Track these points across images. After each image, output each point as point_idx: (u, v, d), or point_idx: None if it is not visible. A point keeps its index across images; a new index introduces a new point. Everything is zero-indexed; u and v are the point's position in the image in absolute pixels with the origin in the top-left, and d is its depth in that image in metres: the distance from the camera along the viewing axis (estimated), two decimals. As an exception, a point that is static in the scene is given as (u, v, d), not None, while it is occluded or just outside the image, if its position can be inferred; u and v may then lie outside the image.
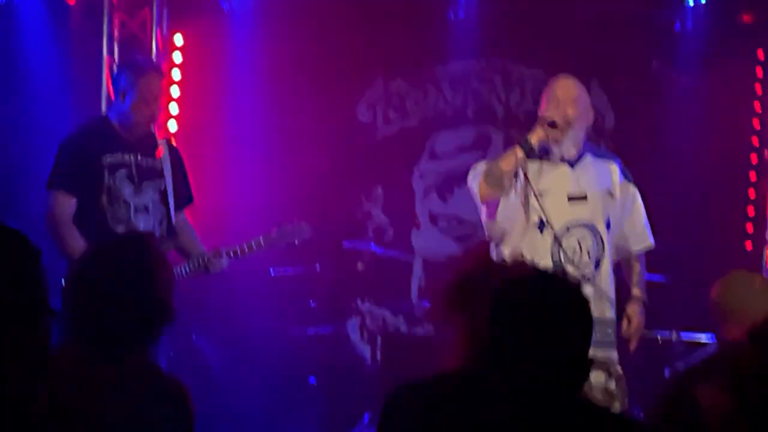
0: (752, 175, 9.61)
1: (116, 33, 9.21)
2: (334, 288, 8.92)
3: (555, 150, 6.25)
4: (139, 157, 6.88)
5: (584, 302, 3.16)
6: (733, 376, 2.03)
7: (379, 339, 8.67)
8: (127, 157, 6.85)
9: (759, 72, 9.61)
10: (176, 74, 9.46)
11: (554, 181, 6.24)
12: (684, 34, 9.51)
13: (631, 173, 6.52)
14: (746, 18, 9.62)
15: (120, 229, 6.76)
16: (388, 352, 8.40)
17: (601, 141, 9.49)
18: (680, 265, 8.76)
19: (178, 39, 9.44)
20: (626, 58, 9.65)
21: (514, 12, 9.48)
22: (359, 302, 9.66)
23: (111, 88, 9.09)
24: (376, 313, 9.63)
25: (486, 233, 6.39)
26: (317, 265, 8.65)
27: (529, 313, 3.10)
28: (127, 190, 6.82)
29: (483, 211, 6.36)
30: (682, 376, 4.43)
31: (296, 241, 7.16)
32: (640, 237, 6.45)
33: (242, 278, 9.07)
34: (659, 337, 7.93)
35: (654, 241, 6.52)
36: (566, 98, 6.26)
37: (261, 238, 7.08)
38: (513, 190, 6.21)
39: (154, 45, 9.18)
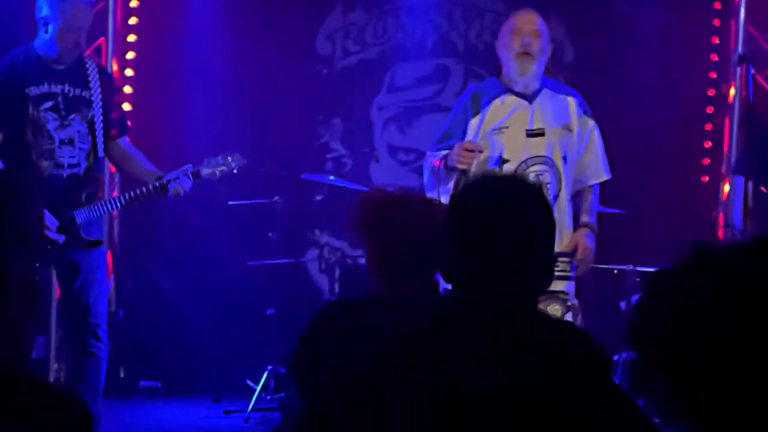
0: (709, 109, 9.63)
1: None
2: (293, 220, 8.89)
3: (518, 78, 6.25)
4: (66, 88, 6.69)
5: (545, 199, 3.04)
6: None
7: (337, 270, 8.67)
8: (53, 87, 6.69)
9: (717, 5, 9.60)
10: (134, 2, 9.39)
11: (512, 117, 6.25)
12: (644, -33, 9.50)
13: (591, 106, 6.51)
14: (705, -48, 9.62)
15: (43, 163, 6.62)
16: (346, 283, 8.42)
17: (560, 73, 9.47)
18: (638, 198, 8.80)
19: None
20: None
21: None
22: (318, 234, 9.66)
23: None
24: (335, 245, 9.64)
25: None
26: (276, 197, 8.60)
27: (491, 217, 2.95)
28: (51, 123, 6.64)
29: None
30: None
31: (234, 170, 7.06)
32: (597, 171, 6.45)
33: (201, 210, 9.07)
34: (616, 270, 7.95)
35: (610, 174, 6.53)
36: (528, 30, 6.26)
37: (199, 167, 6.96)
38: (472, 129, 6.21)
39: (109, -22, 9.10)
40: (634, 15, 9.65)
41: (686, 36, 9.61)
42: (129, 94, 9.36)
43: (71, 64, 6.75)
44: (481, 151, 6.07)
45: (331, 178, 8.83)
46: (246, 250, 8.73)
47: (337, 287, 8.47)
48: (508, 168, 6.16)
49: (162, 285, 9.13)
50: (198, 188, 8.91)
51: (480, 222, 2.92)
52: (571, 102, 6.41)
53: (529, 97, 6.29)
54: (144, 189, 6.71)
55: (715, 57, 9.62)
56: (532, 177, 6.13)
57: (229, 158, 6.98)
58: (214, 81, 9.39)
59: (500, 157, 6.18)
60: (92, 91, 6.78)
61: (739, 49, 9.17)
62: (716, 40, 9.61)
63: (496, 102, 6.26)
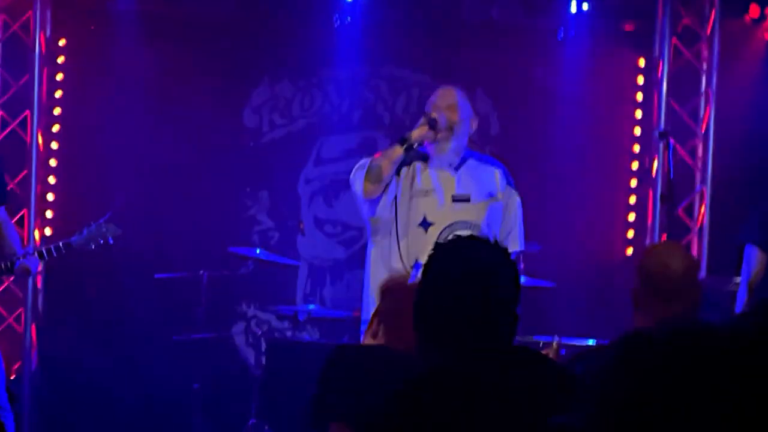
0: (632, 182, 9.71)
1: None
2: (220, 293, 8.86)
3: (437, 159, 6.31)
4: None
5: (510, 259, 3.27)
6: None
7: (263, 343, 8.61)
8: None
9: (639, 79, 9.71)
10: (60, 77, 9.36)
11: (439, 183, 6.31)
12: (567, 41, 9.57)
13: (517, 178, 6.58)
14: (627, 27, 9.75)
15: None
16: (273, 356, 8.35)
17: (487, 146, 9.52)
18: (563, 270, 8.82)
19: (62, 41, 9.36)
20: (511, 65, 9.73)
21: (400, 18, 9.51)
22: (244, 307, 9.61)
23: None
24: (262, 318, 9.59)
25: (368, 229, 6.45)
26: (202, 270, 8.56)
27: (461, 277, 3.19)
28: None
29: (365, 208, 6.42)
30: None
31: (110, 241, 7.03)
32: (513, 241, 6.54)
33: (128, 282, 9.02)
34: (541, 342, 7.95)
35: (524, 246, 6.64)
36: (447, 105, 6.35)
37: (72, 239, 6.95)
38: (395, 188, 6.25)
39: (37, 47, 9.09)
40: (558, 89, 9.73)
41: (610, 109, 9.73)
42: (54, 167, 9.31)
43: None
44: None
45: (258, 251, 8.81)
46: (172, 324, 8.66)
47: (263, 360, 8.41)
48: (432, 231, 6.22)
49: (87, 358, 9.04)
50: (125, 260, 8.91)
51: (452, 282, 3.18)
52: (497, 173, 6.50)
53: (455, 167, 6.36)
54: (6, 264, 6.68)
55: (637, 131, 9.71)
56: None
57: (103, 229, 6.97)
58: (140, 153, 9.35)
59: (425, 219, 6.24)
60: None
61: (661, 123, 9.26)
62: (639, 115, 9.71)
63: (421, 165, 6.33)
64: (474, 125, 6.55)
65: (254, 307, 9.62)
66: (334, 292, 9.76)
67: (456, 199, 6.31)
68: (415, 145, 6.25)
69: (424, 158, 6.38)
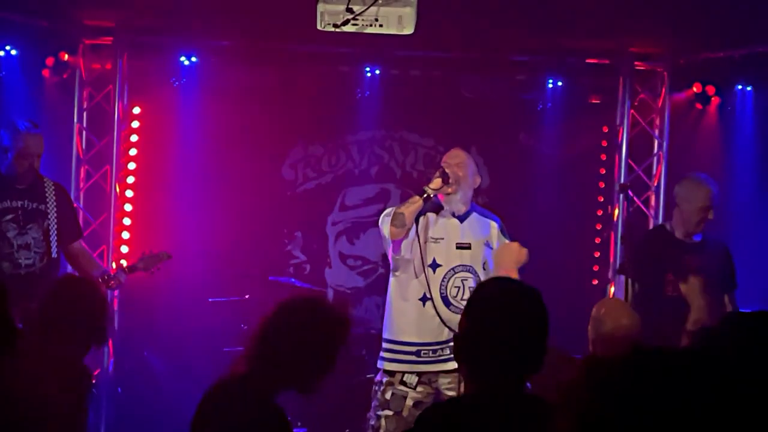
0: (597, 226, 9.77)
1: (85, 104, 9.20)
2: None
3: (447, 206, 6.36)
4: (26, 203, 6.81)
5: (541, 300, 3.19)
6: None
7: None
8: (14, 203, 6.80)
9: (603, 143, 9.75)
10: (134, 138, 9.45)
11: (447, 231, 6.35)
12: (545, 111, 9.65)
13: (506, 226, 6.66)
14: (594, 99, 9.78)
15: (5, 265, 6.71)
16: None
17: (479, 196, 9.62)
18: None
19: (136, 109, 9.44)
20: (499, 130, 9.79)
21: (409, 92, 9.59)
22: (282, 325, 9.65)
23: (80, 149, 9.13)
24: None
25: (391, 265, 6.47)
26: (247, 295, 8.66)
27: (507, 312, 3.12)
28: (11, 232, 6.74)
29: (389, 247, 6.41)
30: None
31: (158, 267, 7.22)
32: None
33: (186, 305, 9.08)
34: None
35: None
36: (456, 163, 6.38)
37: (136, 263, 7.12)
38: (414, 234, 6.28)
39: (116, 114, 9.17)
40: (537, 149, 9.81)
41: (579, 166, 9.74)
42: (128, 211, 9.39)
43: (30, 183, 6.83)
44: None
45: (293, 279, 8.90)
46: (223, 338, 8.74)
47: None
48: (440, 271, 6.26)
49: (154, 367, 9.11)
50: (186, 286, 8.98)
51: (494, 321, 3.09)
52: (493, 225, 6.53)
53: (460, 218, 6.40)
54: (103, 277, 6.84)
55: (602, 184, 9.75)
56: (457, 281, 6.26)
57: (159, 256, 7.13)
58: (198, 199, 9.41)
59: (434, 261, 6.28)
60: (48, 205, 6.85)
61: (621, 178, 9.34)
62: (603, 171, 9.74)
63: (433, 216, 6.37)
64: (477, 181, 6.56)
65: (290, 326, 9.65)
66: (355, 314, 9.80)
67: (459, 247, 6.32)
68: (432, 196, 6.27)
69: (437, 209, 6.41)
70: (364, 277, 9.85)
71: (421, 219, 6.31)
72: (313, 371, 3.76)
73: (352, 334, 8.13)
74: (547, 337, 3.14)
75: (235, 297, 8.71)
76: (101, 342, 4.68)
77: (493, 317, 3.12)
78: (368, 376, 7.98)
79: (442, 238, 6.34)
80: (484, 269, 6.37)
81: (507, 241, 6.46)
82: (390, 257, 6.48)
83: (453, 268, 6.27)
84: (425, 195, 6.20)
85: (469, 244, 6.35)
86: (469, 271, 6.31)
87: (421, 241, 6.28)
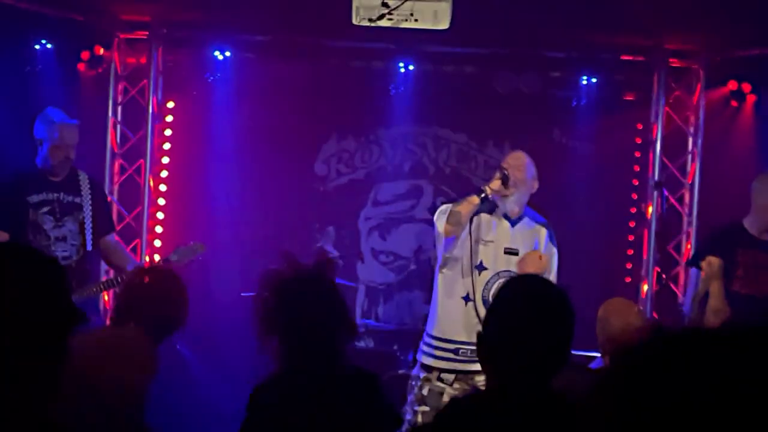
0: (631, 223, 9.74)
1: (119, 98, 9.26)
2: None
3: (502, 206, 6.31)
4: (61, 195, 6.79)
5: (566, 301, 3.14)
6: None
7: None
8: (50, 195, 6.78)
9: (637, 140, 9.75)
10: (168, 132, 9.50)
11: (497, 234, 6.29)
12: (579, 108, 9.62)
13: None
14: (629, 96, 9.77)
15: None
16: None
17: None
18: (574, 295, 8.86)
19: (171, 104, 9.49)
20: (533, 127, 9.75)
21: (443, 88, 9.59)
22: (313, 320, 9.67)
23: (115, 143, 9.17)
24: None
25: (439, 261, 6.42)
26: (280, 289, 8.66)
27: (530, 308, 3.07)
28: (48, 224, 6.73)
29: (441, 244, 6.35)
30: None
31: (199, 257, 7.15)
32: None
33: (219, 299, 9.11)
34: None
35: None
36: (517, 165, 6.33)
37: (170, 255, 7.08)
38: (467, 233, 6.23)
39: (150, 108, 9.22)
40: (571, 146, 9.80)
41: (613, 163, 9.73)
42: (162, 205, 9.44)
43: (66, 176, 6.83)
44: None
45: (326, 274, 8.90)
46: (254, 332, 8.75)
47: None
48: (485, 274, 6.21)
49: (187, 359, 9.14)
50: (219, 280, 9.02)
51: (521, 311, 3.05)
52: (543, 232, 6.46)
53: (513, 222, 6.35)
54: (119, 277, 6.80)
55: (636, 182, 9.74)
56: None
57: (194, 248, 7.08)
58: (232, 193, 9.47)
59: (481, 263, 6.24)
60: (83, 198, 6.85)
61: (656, 175, 9.30)
62: (637, 168, 9.73)
63: (486, 216, 6.31)
64: (535, 186, 6.49)
65: (322, 320, 9.68)
66: (386, 309, 9.80)
67: (507, 252, 6.22)
68: (490, 197, 6.22)
69: (491, 209, 6.35)
70: (395, 272, 9.86)
71: (475, 218, 6.26)
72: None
73: (375, 330, 8.06)
74: (572, 339, 3.09)
75: (267, 292, 8.71)
76: (173, 330, 4.97)
77: (516, 316, 3.07)
78: (400, 372, 7.98)
79: (492, 241, 6.28)
80: None
81: (555, 249, 6.43)
82: (440, 254, 6.42)
83: (498, 273, 6.20)
84: (483, 195, 6.15)
85: (517, 250, 6.29)
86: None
87: (473, 240, 6.24)
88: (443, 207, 6.34)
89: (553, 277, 6.48)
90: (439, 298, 6.36)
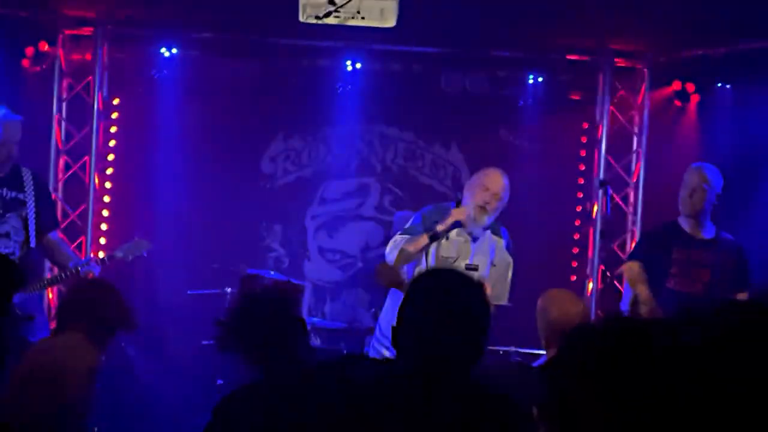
0: (577, 222, 9.79)
1: (64, 94, 9.18)
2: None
3: (471, 225, 6.34)
4: (4, 191, 6.71)
5: (483, 292, 3.10)
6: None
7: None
8: None
9: (583, 139, 9.80)
10: (114, 129, 9.44)
11: (459, 251, 6.33)
12: (525, 107, 9.66)
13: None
14: (574, 96, 9.81)
15: None
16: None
17: (458, 192, 9.61)
18: (520, 292, 8.91)
19: (116, 101, 9.42)
20: (480, 126, 9.80)
21: (390, 86, 9.59)
22: (260, 318, 9.63)
23: (59, 140, 9.09)
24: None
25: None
26: (227, 287, 8.64)
27: (439, 300, 3.02)
28: None
29: (404, 272, 6.40)
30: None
31: (144, 253, 7.12)
32: (501, 295, 6.55)
33: (165, 297, 9.06)
34: (501, 350, 8.06)
35: (507, 302, 6.65)
36: (494, 191, 6.36)
37: (115, 252, 7.02)
38: (423, 256, 6.26)
39: (95, 105, 9.15)
40: (518, 145, 9.83)
41: (559, 163, 9.76)
42: (107, 203, 9.38)
43: (8, 172, 6.75)
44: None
45: (272, 272, 8.88)
46: (201, 331, 8.72)
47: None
48: None
49: (132, 359, 9.08)
50: (165, 279, 8.96)
51: (431, 303, 3.00)
52: (500, 243, 6.52)
53: (474, 238, 6.38)
54: (63, 273, 6.74)
55: (581, 180, 9.79)
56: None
57: (138, 244, 7.04)
58: (177, 191, 9.39)
59: None
60: (26, 194, 6.77)
61: (601, 174, 9.37)
62: (582, 167, 9.79)
63: (451, 233, 6.34)
64: (503, 206, 6.57)
65: (268, 318, 9.64)
66: (333, 307, 9.79)
67: (468, 268, 6.28)
68: (441, 236, 6.25)
69: (457, 226, 6.38)
70: (342, 270, 9.85)
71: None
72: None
73: (322, 328, 8.03)
74: (486, 332, 3.05)
75: (214, 290, 8.68)
76: (114, 332, 5.35)
77: (421, 305, 3.03)
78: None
79: (454, 258, 6.33)
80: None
81: (510, 258, 6.49)
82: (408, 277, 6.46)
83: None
84: (432, 236, 6.19)
85: (477, 266, 6.34)
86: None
87: (429, 259, 6.26)
88: (395, 239, 6.38)
89: (506, 282, 6.54)
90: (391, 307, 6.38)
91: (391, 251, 6.35)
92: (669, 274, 6.68)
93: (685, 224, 6.83)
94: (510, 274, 6.60)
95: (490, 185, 6.42)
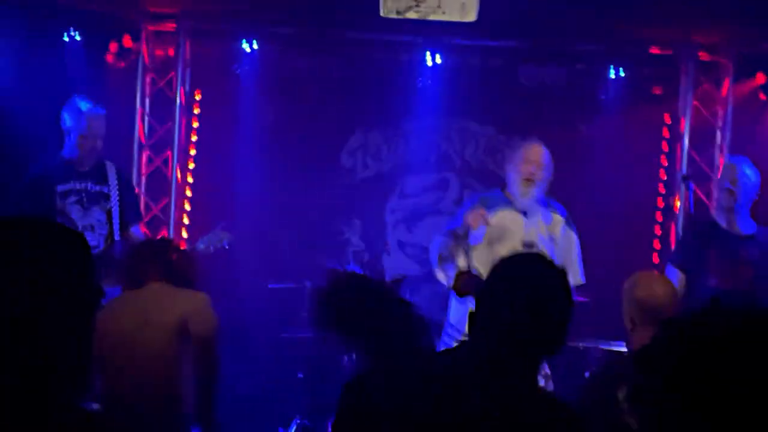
0: (658, 216, 9.70)
1: (147, 89, 9.28)
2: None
3: (520, 202, 6.31)
4: (89, 185, 6.80)
5: (565, 278, 3.03)
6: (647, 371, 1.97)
7: (354, 343, 8.68)
8: (78, 185, 6.78)
9: (665, 133, 9.72)
10: (196, 124, 9.52)
11: (511, 229, 6.30)
12: (606, 101, 9.59)
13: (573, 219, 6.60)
14: (656, 90, 9.73)
15: None
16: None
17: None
18: (600, 287, 8.85)
19: (198, 95, 9.50)
20: (559, 119, 9.75)
21: (470, 81, 9.57)
22: (340, 312, 9.66)
23: (142, 134, 9.20)
24: (353, 322, 9.64)
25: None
26: (307, 281, 8.68)
27: (520, 287, 2.95)
28: (75, 213, 6.73)
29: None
30: (602, 378, 4.47)
31: (225, 245, 7.15)
32: (574, 274, 6.47)
33: (247, 290, 9.12)
34: (581, 345, 8.01)
35: (585, 280, 6.57)
36: (535, 160, 6.34)
37: (196, 243, 7.07)
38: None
39: (178, 100, 9.24)
40: (599, 139, 9.75)
41: (641, 157, 9.69)
42: (189, 197, 9.47)
43: (93, 166, 6.83)
44: (487, 223, 6.12)
45: (352, 266, 8.90)
46: (281, 324, 8.78)
47: (353, 355, 8.52)
48: None
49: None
50: (246, 272, 9.01)
51: (509, 293, 2.93)
52: (557, 219, 6.48)
53: (528, 214, 6.35)
54: None
55: (663, 175, 9.71)
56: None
57: (219, 236, 7.08)
58: (259, 186, 9.46)
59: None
60: (110, 188, 6.85)
61: (683, 169, 9.26)
62: (665, 161, 9.70)
63: (500, 213, 6.32)
64: (551, 177, 6.54)
65: (347, 313, 9.68)
66: (413, 301, 9.79)
67: (525, 245, 6.29)
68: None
69: (502, 204, 6.37)
70: (421, 265, 9.85)
71: (492, 216, 6.26)
72: None
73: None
74: (568, 323, 2.97)
75: (293, 284, 8.72)
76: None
77: (506, 300, 2.95)
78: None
79: (505, 235, 6.30)
80: None
81: (573, 234, 6.43)
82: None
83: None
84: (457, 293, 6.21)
85: (534, 242, 6.30)
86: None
87: (486, 241, 6.24)
88: (436, 239, 6.34)
89: (575, 258, 6.49)
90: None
91: (432, 253, 6.36)
92: (710, 272, 6.58)
93: (722, 220, 6.74)
94: (578, 250, 6.52)
95: (531, 156, 6.40)
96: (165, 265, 5.35)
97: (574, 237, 6.51)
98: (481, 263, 6.16)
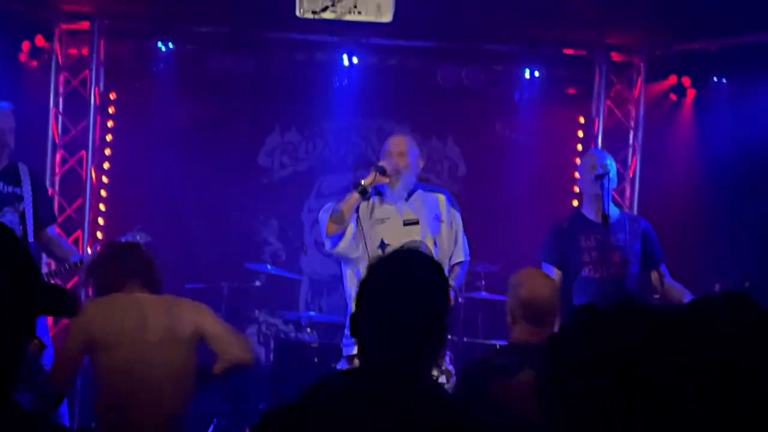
0: (573, 216, 9.79)
1: (61, 89, 9.17)
2: (237, 301, 8.92)
3: (390, 193, 6.38)
4: (0, 186, 6.64)
5: (440, 270, 2.96)
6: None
7: (272, 343, 8.69)
8: None
9: (579, 133, 9.82)
10: (110, 123, 9.43)
11: (392, 211, 6.37)
12: (522, 102, 9.66)
13: (479, 211, 6.63)
14: (570, 91, 9.83)
15: None
16: (279, 353, 8.42)
17: (455, 185, 9.65)
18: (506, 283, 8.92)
19: (113, 95, 9.42)
20: (476, 120, 9.83)
21: (387, 81, 9.60)
22: (257, 312, 9.67)
23: (56, 134, 9.09)
24: (271, 322, 9.64)
25: (341, 260, 6.55)
26: (223, 282, 8.66)
27: (394, 285, 2.88)
28: None
29: (328, 243, 6.42)
30: (476, 369, 4.55)
31: (142, 244, 7.08)
32: (459, 253, 6.53)
33: (164, 291, 9.03)
34: (497, 345, 8.06)
35: (469, 257, 6.63)
36: (398, 152, 6.41)
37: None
38: (354, 223, 6.30)
39: (92, 100, 9.14)
40: (514, 139, 9.85)
41: (555, 156, 9.80)
42: (104, 197, 9.38)
43: (4, 166, 6.69)
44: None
45: (269, 267, 8.89)
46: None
47: (272, 356, 8.51)
48: (388, 251, 6.23)
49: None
50: (162, 272, 8.92)
51: (385, 292, 2.87)
52: (441, 198, 6.55)
53: (405, 199, 6.42)
54: (63, 267, 6.72)
55: (576, 174, 9.80)
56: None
57: (137, 236, 7.01)
58: (174, 186, 9.40)
59: (382, 242, 6.29)
60: (23, 188, 6.74)
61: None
62: (578, 161, 9.79)
63: (377, 198, 6.40)
64: (421, 164, 6.58)
65: (265, 313, 9.65)
66: (330, 301, 9.80)
67: (406, 223, 6.36)
68: (369, 190, 6.29)
69: (379, 194, 6.45)
70: (338, 265, 9.84)
71: (363, 205, 6.34)
72: None
73: (319, 322, 8.03)
74: (445, 314, 2.89)
75: (211, 284, 8.69)
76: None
77: (381, 297, 2.89)
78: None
79: (388, 218, 6.36)
80: (435, 244, 6.38)
81: (457, 212, 6.51)
82: (329, 251, 6.53)
83: (402, 245, 6.23)
84: (360, 190, 6.24)
85: (416, 219, 6.37)
86: (418, 246, 6.30)
87: (366, 225, 6.30)
88: (326, 206, 6.43)
89: (462, 244, 6.56)
90: (350, 289, 6.44)
91: (321, 216, 6.41)
92: (582, 263, 6.73)
93: (589, 211, 6.89)
94: (461, 229, 6.59)
95: (393, 148, 6.46)
96: (143, 270, 5.30)
97: (458, 216, 6.57)
98: (369, 242, 6.26)
